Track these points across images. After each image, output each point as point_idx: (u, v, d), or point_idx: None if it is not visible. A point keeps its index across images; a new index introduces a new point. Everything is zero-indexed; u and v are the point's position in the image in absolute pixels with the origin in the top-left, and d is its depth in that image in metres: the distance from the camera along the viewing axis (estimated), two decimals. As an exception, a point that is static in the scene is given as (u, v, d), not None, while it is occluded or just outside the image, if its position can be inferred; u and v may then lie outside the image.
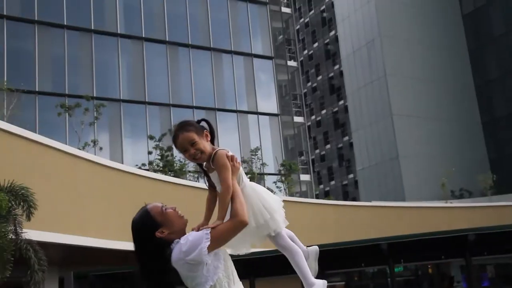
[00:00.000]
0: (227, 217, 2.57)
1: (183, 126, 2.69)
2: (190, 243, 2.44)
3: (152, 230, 2.54)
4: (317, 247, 2.78)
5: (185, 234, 2.57)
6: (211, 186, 2.76)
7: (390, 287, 15.27)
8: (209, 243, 2.43)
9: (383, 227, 20.55)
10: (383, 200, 37.67)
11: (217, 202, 2.76)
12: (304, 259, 2.67)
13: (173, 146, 2.76)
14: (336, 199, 43.36)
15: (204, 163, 2.75)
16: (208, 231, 2.47)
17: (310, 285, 2.58)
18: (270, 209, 2.67)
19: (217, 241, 2.46)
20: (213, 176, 2.70)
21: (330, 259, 14.25)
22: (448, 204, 27.41)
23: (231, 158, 2.66)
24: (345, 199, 48.88)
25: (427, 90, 46.40)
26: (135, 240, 2.59)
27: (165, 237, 2.54)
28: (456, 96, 47.72)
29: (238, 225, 2.50)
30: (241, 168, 2.73)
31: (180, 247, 2.46)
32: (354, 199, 46.64)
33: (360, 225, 21.23)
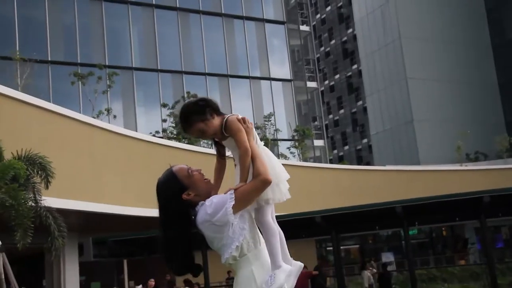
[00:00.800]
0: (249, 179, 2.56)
1: (186, 119, 2.62)
2: (215, 204, 2.46)
3: (178, 192, 2.55)
4: (302, 264, 2.70)
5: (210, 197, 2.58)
6: (221, 156, 2.76)
7: (404, 249, 15.39)
8: (233, 203, 2.44)
9: (397, 191, 20.59)
10: (398, 164, 37.63)
11: (226, 169, 2.76)
12: (279, 242, 2.61)
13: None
14: (350, 164, 43.37)
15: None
16: (233, 192, 2.48)
17: (277, 267, 2.54)
18: (276, 175, 2.63)
19: (241, 202, 2.47)
20: (228, 143, 2.67)
21: (345, 222, 14.36)
22: (463, 167, 27.31)
23: (243, 121, 2.64)
24: (359, 164, 48.86)
25: (442, 51, 45.67)
26: (160, 202, 2.59)
27: (191, 199, 2.56)
28: (473, 58, 46.92)
29: (261, 184, 2.49)
30: (254, 130, 2.71)
31: (205, 209, 2.47)
32: (368, 164, 46.60)
33: (375, 189, 21.28)
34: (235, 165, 2.69)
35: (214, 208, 2.45)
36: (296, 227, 13.55)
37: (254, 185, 2.50)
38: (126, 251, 16.75)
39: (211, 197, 2.53)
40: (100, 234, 16.69)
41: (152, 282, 12.93)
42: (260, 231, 2.66)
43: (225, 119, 2.62)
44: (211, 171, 2.73)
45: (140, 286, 14.25)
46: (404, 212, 12.91)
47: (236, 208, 2.45)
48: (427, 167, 28.55)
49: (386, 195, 18.80)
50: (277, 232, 2.63)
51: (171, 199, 2.55)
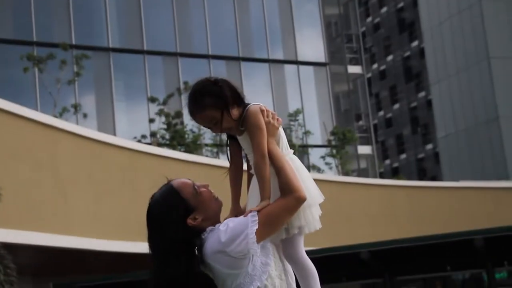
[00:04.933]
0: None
1: (197, 101, 2.69)
2: (231, 230, 2.51)
3: (183, 216, 2.59)
4: None
5: (220, 220, 2.64)
6: (234, 161, 2.83)
7: (487, 299, 15.18)
8: (256, 227, 2.50)
9: (477, 217, 20.42)
10: (477, 179, 37.23)
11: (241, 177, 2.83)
12: (319, 284, 2.71)
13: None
14: (409, 178, 43.15)
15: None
16: (255, 214, 2.53)
17: None
18: (310, 195, 2.69)
19: (267, 226, 2.54)
20: (244, 140, 2.75)
21: (402, 260, 14.26)
22: None
23: (267, 114, 2.71)
24: (421, 178, 48.61)
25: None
26: (154, 229, 2.61)
27: (198, 226, 2.60)
28: None
29: (293, 203, 2.57)
30: (281, 130, 2.77)
31: (218, 236, 2.52)
32: (434, 178, 46.36)
33: (444, 214, 21.14)
34: (251, 170, 2.77)
35: (231, 235, 2.49)
36: (333, 267, 13.49)
37: (284, 204, 2.56)
38: (100, 301, 16.81)
39: (226, 221, 2.59)
40: (64, 277, 16.76)
41: None
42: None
43: (246, 108, 2.71)
44: (215, 187, 2.79)
45: None
46: (487, 246, 12.78)
47: (260, 235, 2.51)
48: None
49: (461, 222, 18.59)
50: (316, 273, 2.72)
51: (171, 225, 2.57)
